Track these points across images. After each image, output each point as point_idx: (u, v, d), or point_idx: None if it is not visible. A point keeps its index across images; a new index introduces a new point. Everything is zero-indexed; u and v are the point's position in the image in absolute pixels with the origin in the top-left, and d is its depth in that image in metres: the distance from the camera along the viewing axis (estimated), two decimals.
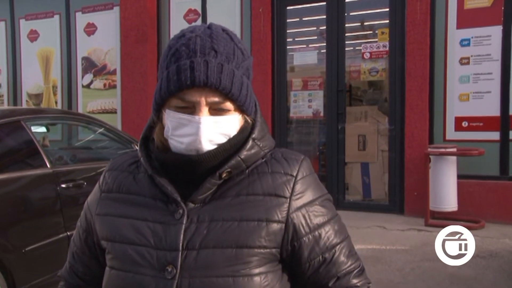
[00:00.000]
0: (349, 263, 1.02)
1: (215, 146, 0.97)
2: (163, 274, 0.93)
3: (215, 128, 0.95)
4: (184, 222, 0.96)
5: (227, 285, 0.92)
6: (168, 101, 0.96)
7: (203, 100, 0.94)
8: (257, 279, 0.94)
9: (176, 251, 0.94)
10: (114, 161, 1.13)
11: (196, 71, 0.92)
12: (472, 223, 4.93)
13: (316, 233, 1.00)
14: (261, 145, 1.03)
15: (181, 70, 0.93)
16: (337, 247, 1.02)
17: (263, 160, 1.03)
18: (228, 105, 0.96)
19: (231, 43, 0.97)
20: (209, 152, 0.96)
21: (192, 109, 0.95)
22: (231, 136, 0.99)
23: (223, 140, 0.97)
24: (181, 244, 0.94)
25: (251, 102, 1.00)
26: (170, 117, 0.97)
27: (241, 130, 1.00)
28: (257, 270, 0.95)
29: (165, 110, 0.98)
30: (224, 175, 0.98)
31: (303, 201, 1.00)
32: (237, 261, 0.94)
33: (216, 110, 0.96)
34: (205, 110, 0.94)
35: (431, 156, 5.09)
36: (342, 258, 1.01)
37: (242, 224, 0.95)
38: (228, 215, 0.96)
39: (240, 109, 0.98)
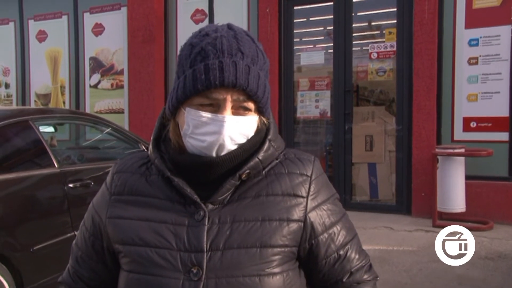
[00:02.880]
0: (360, 259, 1.07)
1: (236, 146, 0.98)
2: (188, 275, 0.94)
3: (237, 128, 0.96)
4: (206, 223, 0.96)
5: (254, 284, 0.94)
6: (190, 99, 0.96)
7: (229, 98, 0.94)
8: (280, 277, 0.97)
9: (201, 252, 0.94)
10: (121, 162, 1.11)
11: (225, 72, 0.92)
12: (481, 224, 4.90)
13: (331, 231, 1.04)
14: (275, 146, 1.04)
15: (209, 70, 0.93)
16: (350, 243, 1.06)
17: (278, 160, 1.05)
18: (250, 105, 0.97)
19: (253, 45, 0.98)
20: (230, 153, 0.97)
21: (215, 107, 0.95)
22: (250, 136, 1.00)
23: (242, 140, 0.98)
24: (205, 245, 0.95)
25: (269, 104, 1.03)
26: (191, 115, 0.96)
27: (258, 131, 1.02)
28: (279, 269, 0.97)
29: (184, 108, 0.98)
30: (244, 176, 0.99)
31: (318, 201, 1.03)
32: (261, 260, 0.95)
33: (237, 110, 0.97)
34: (229, 108, 0.95)
35: (439, 157, 5.06)
36: (354, 254, 1.06)
37: (265, 224, 0.97)
38: (250, 215, 0.97)
39: (260, 110, 1.00)
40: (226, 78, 0.92)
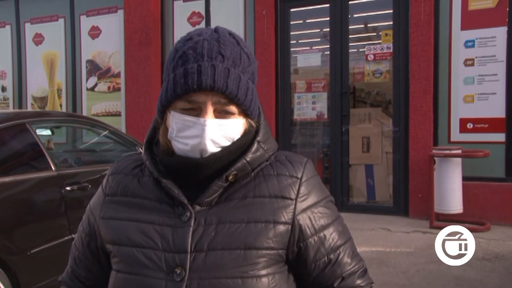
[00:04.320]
0: (353, 264, 1.05)
1: (219, 149, 0.98)
2: (172, 276, 0.94)
3: (219, 131, 0.97)
4: (192, 224, 0.97)
5: (236, 286, 0.93)
6: (173, 103, 0.97)
7: (209, 102, 0.95)
8: (265, 280, 0.96)
9: (185, 253, 0.95)
10: (117, 164, 1.13)
11: (203, 75, 0.93)
12: (478, 225, 4.91)
13: (321, 234, 1.02)
14: (265, 148, 1.04)
15: (188, 74, 0.93)
16: (341, 248, 1.04)
17: (268, 162, 1.04)
18: (233, 108, 0.97)
19: (237, 48, 0.98)
20: (214, 154, 0.97)
21: (198, 110, 0.96)
22: (235, 139, 1.00)
23: (227, 143, 0.98)
24: (189, 246, 0.95)
25: (256, 107, 1.02)
26: (175, 119, 0.97)
27: (245, 133, 1.01)
28: (265, 271, 0.96)
29: (169, 111, 0.99)
30: (230, 177, 0.99)
31: (308, 203, 1.02)
32: (245, 262, 0.94)
33: (220, 113, 0.97)
34: (210, 112, 0.95)
35: (435, 158, 5.08)
36: (346, 258, 1.04)
37: (250, 226, 0.96)
38: (235, 217, 0.97)
39: (245, 113, 0.99)
40: (204, 82, 0.93)
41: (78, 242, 1.13)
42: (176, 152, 1.01)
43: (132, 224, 1.00)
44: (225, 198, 0.99)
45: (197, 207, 0.98)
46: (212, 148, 0.97)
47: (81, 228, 1.13)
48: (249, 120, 1.02)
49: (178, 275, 0.94)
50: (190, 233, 0.96)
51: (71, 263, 1.15)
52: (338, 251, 1.03)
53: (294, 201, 1.00)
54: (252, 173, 1.02)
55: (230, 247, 0.94)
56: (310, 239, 1.01)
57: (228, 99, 0.95)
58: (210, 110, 0.95)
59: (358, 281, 1.04)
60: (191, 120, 0.96)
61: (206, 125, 0.95)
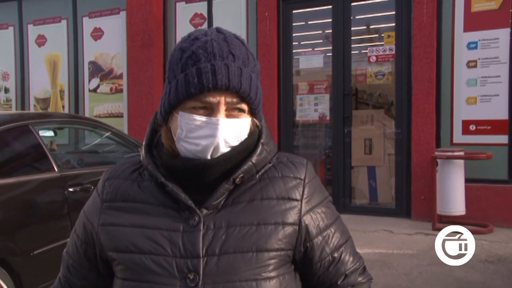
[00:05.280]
0: (354, 261, 1.08)
1: (229, 149, 0.98)
2: (185, 282, 0.93)
3: (231, 130, 0.97)
4: (201, 228, 0.96)
5: None
6: (183, 103, 0.96)
7: (222, 101, 0.95)
8: (277, 281, 0.97)
9: (197, 258, 0.94)
10: (113, 169, 1.10)
11: (218, 74, 0.92)
12: (480, 228, 4.90)
13: (325, 233, 1.04)
14: (268, 150, 1.04)
15: (202, 73, 0.93)
16: (344, 246, 1.06)
17: (271, 164, 1.05)
18: (244, 106, 0.97)
19: (243, 48, 0.98)
20: (223, 155, 0.97)
21: (209, 110, 0.96)
22: (243, 139, 1.00)
23: (236, 142, 0.99)
24: (201, 251, 0.94)
25: (261, 107, 1.03)
26: (185, 120, 0.96)
27: (250, 134, 1.02)
28: (275, 273, 0.97)
29: (177, 112, 0.97)
30: (237, 180, 0.99)
31: (311, 204, 1.03)
32: (257, 264, 0.95)
33: (230, 113, 0.97)
34: (222, 111, 0.95)
35: (438, 160, 5.07)
36: (348, 256, 1.07)
37: (260, 228, 0.97)
38: (245, 220, 0.97)
39: (252, 112, 1.00)
40: (219, 81, 0.92)
41: (72, 250, 1.09)
42: (182, 153, 0.99)
43: (136, 230, 0.98)
44: (232, 201, 0.99)
45: (205, 211, 0.98)
46: (224, 148, 0.97)
47: (75, 235, 1.09)
48: (254, 120, 1.02)
49: (191, 281, 0.93)
50: (201, 238, 0.95)
51: (64, 272, 1.10)
52: (341, 250, 1.05)
53: (299, 202, 1.01)
54: (257, 175, 1.02)
55: (242, 250, 0.94)
56: (315, 239, 1.02)
57: (240, 98, 0.96)
58: (222, 109, 0.95)
59: (360, 278, 1.07)
60: (203, 120, 0.95)
61: (219, 124, 0.95)
